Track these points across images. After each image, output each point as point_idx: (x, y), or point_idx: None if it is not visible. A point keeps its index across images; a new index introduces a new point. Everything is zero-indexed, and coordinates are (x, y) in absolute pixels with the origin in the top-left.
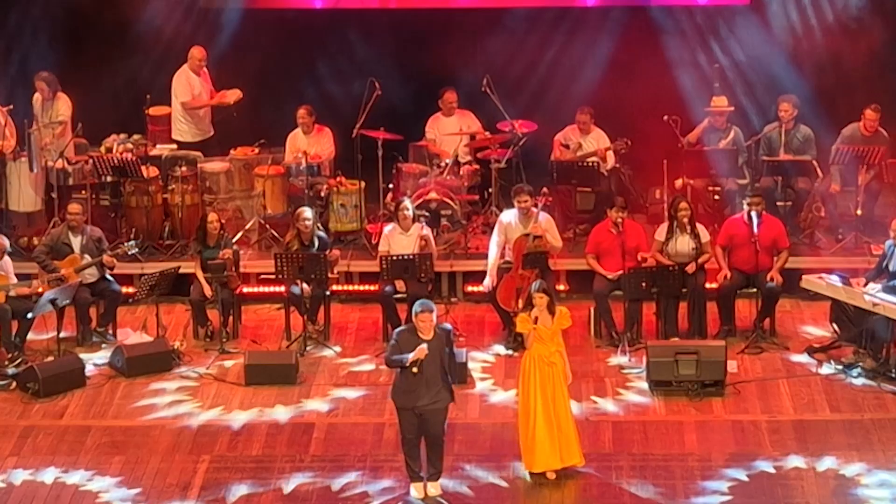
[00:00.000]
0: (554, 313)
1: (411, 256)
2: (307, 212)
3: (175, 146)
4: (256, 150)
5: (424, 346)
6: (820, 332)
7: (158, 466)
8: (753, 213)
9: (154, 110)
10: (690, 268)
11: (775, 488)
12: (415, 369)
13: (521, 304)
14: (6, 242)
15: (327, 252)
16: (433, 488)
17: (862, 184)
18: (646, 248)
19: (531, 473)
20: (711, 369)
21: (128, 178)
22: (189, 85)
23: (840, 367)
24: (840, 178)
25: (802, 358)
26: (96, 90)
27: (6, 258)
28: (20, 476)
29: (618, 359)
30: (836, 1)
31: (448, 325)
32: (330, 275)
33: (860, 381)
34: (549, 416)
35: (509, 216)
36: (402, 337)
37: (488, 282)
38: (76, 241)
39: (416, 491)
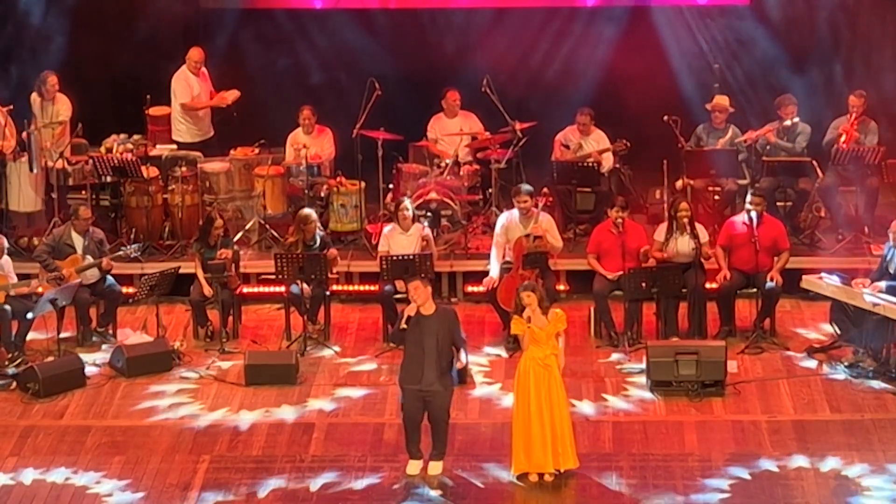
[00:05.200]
0: (546, 311)
1: (411, 256)
2: (312, 215)
3: (175, 146)
4: (256, 151)
5: (413, 304)
6: (820, 332)
7: (158, 466)
8: (753, 214)
9: (154, 110)
10: (706, 251)
11: (775, 488)
12: (404, 325)
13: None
14: (4, 241)
15: (326, 251)
16: (434, 468)
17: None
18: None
19: (518, 476)
20: (711, 369)
21: (128, 179)
22: (188, 86)
23: (840, 367)
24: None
25: (802, 358)
26: (96, 90)
27: (6, 257)
28: (20, 476)
29: (618, 360)
30: None
31: (452, 308)
32: (330, 275)
33: (860, 381)
34: (543, 419)
35: (510, 216)
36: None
37: (495, 273)
38: (79, 242)
39: (412, 468)
